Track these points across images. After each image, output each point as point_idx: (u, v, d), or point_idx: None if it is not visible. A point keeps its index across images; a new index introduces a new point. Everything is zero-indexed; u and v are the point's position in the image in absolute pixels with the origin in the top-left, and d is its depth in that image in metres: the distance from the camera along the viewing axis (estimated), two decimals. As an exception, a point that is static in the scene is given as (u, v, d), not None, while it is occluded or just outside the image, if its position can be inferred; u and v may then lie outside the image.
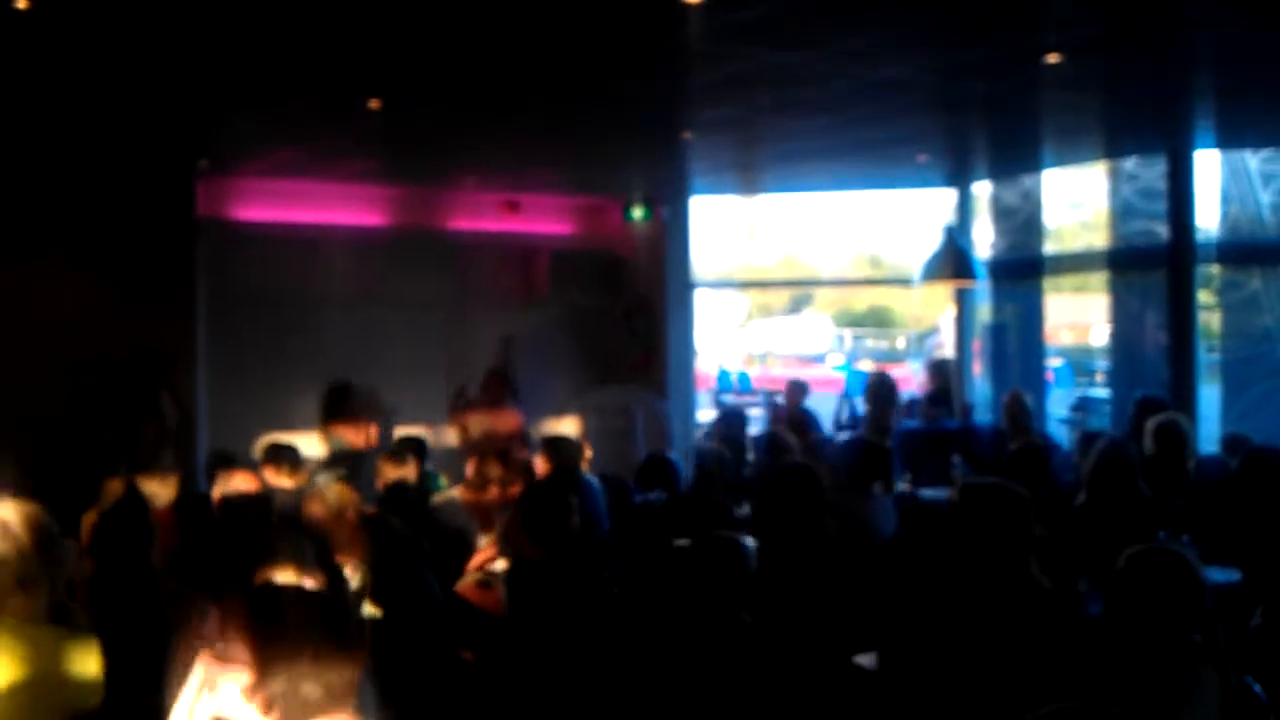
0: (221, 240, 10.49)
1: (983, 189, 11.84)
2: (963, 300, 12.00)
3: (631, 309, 12.57)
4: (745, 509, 7.18)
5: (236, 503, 5.83)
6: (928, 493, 8.08)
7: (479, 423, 9.29)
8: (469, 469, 6.74)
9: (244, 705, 2.51)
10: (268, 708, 2.38)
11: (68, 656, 3.13)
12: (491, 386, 9.74)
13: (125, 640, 4.15)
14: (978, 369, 12.01)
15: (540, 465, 7.16)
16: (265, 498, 6.10)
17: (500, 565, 5.42)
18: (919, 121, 8.63)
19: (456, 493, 6.75)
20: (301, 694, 2.36)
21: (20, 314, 9.51)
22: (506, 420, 9.34)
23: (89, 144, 8.95)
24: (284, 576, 3.63)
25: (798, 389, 11.64)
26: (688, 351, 12.85)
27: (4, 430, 8.55)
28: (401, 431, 8.99)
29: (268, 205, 10.84)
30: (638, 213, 12.32)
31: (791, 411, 10.71)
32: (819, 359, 29.55)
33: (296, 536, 4.20)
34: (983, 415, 11.27)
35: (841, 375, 15.52)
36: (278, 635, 2.42)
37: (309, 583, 3.65)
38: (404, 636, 4.66)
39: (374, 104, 7.39)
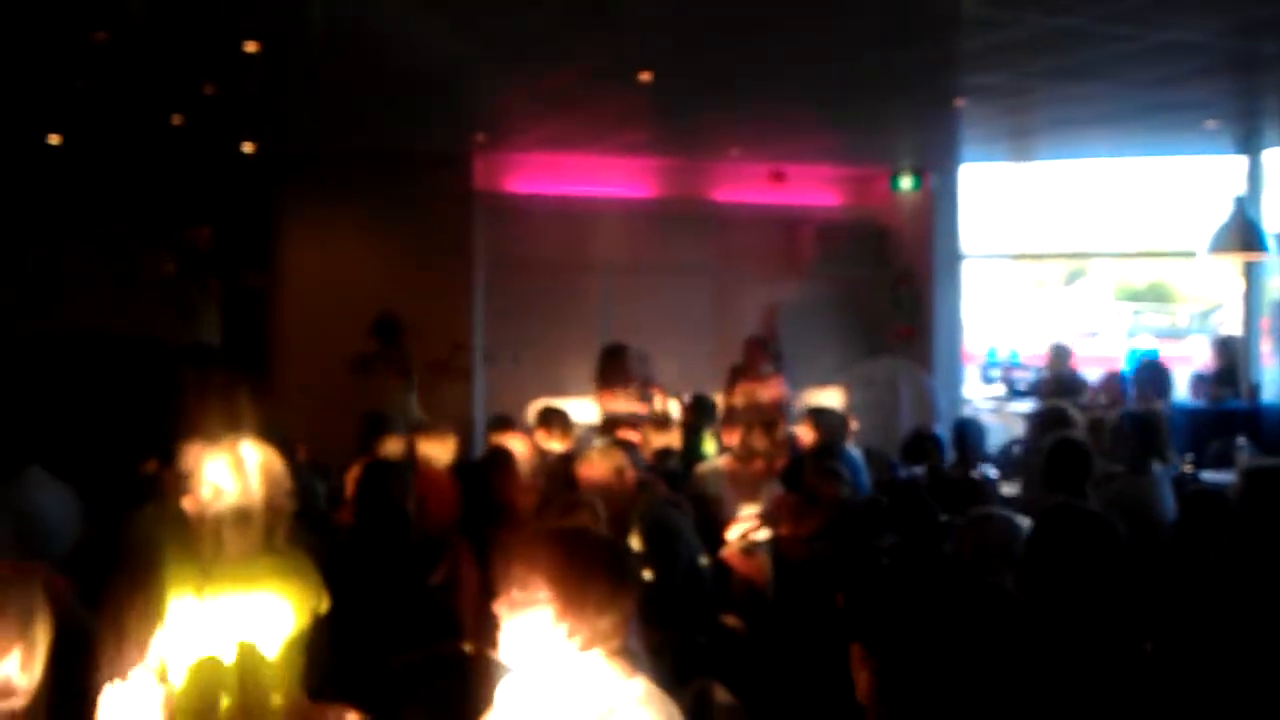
0: (497, 212, 10.92)
1: (1275, 156, 11.11)
2: (1251, 274, 11.31)
3: (898, 281, 12.39)
4: (1011, 485, 7.02)
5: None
6: (1210, 476, 7.69)
7: (745, 393, 9.35)
8: (734, 439, 6.80)
9: (537, 637, 2.68)
10: (568, 638, 2.61)
11: (289, 578, 3.36)
12: (751, 353, 9.81)
13: (379, 583, 4.42)
14: (1266, 347, 11.31)
15: (806, 436, 7.17)
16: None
17: (763, 535, 5.47)
18: (1207, 85, 8.16)
19: (721, 463, 6.83)
20: (599, 627, 2.63)
21: (322, 286, 10.20)
22: (772, 390, 9.37)
23: (381, 126, 9.45)
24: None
25: (1060, 354, 11.19)
26: (955, 325, 12.57)
27: (300, 391, 9.18)
28: (662, 397, 9.17)
29: (541, 178, 11.19)
30: (905, 182, 12.12)
31: (1054, 378, 10.40)
32: (1094, 335, 28.38)
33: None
34: (1271, 395, 10.64)
35: (1119, 353, 14.86)
36: (582, 574, 2.66)
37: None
38: (673, 599, 4.77)
39: (644, 77, 7.52)
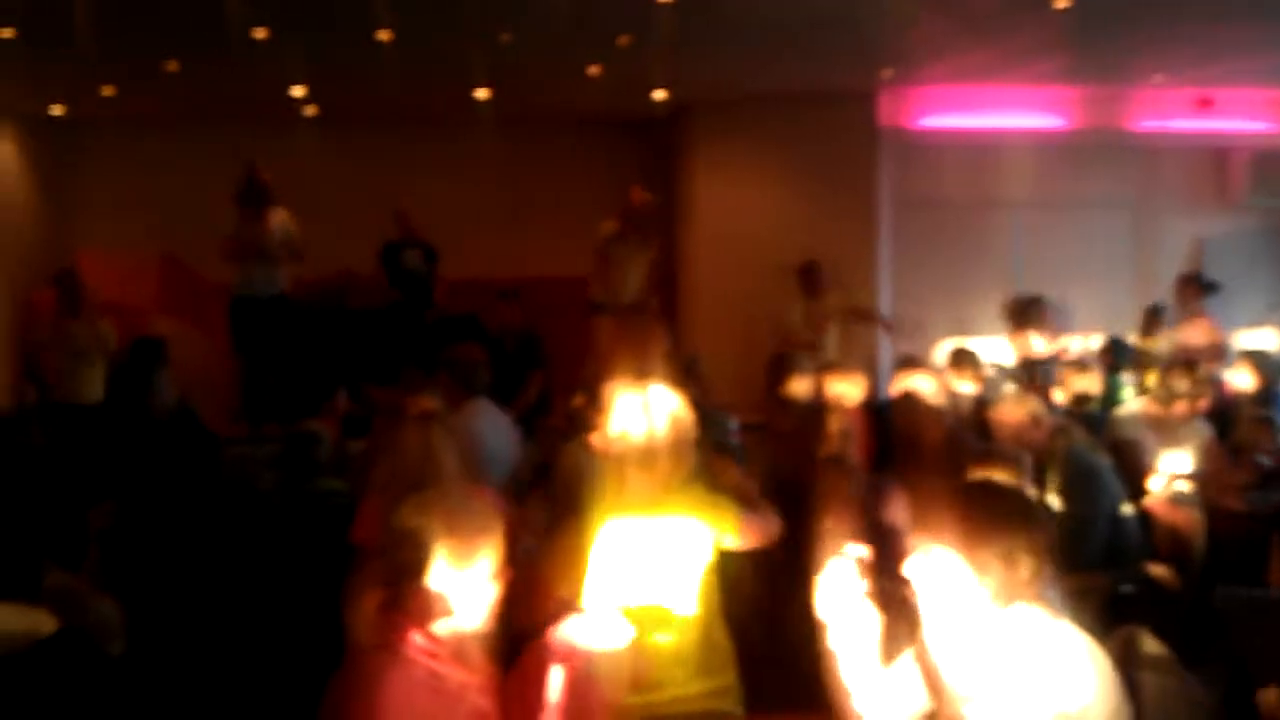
0: (903, 150, 10.76)
1: None
2: None
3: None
4: None
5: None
6: None
7: (1170, 336, 8.84)
8: (1156, 380, 6.47)
9: (953, 584, 2.68)
10: (983, 587, 2.61)
11: (695, 514, 3.45)
12: (1185, 292, 9.23)
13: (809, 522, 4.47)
14: None
15: (1238, 380, 6.71)
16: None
17: (1188, 486, 5.20)
18: None
19: (1140, 406, 6.51)
20: (1015, 577, 2.62)
21: (728, 229, 10.44)
22: (1199, 331, 8.80)
23: (787, 67, 9.49)
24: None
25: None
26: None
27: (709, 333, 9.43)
28: (1079, 338, 8.82)
29: (947, 112, 10.91)
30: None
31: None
32: None
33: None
34: None
35: None
36: (993, 528, 2.65)
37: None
38: (1095, 545, 4.62)
39: (1060, 3, 7.18)
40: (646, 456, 3.42)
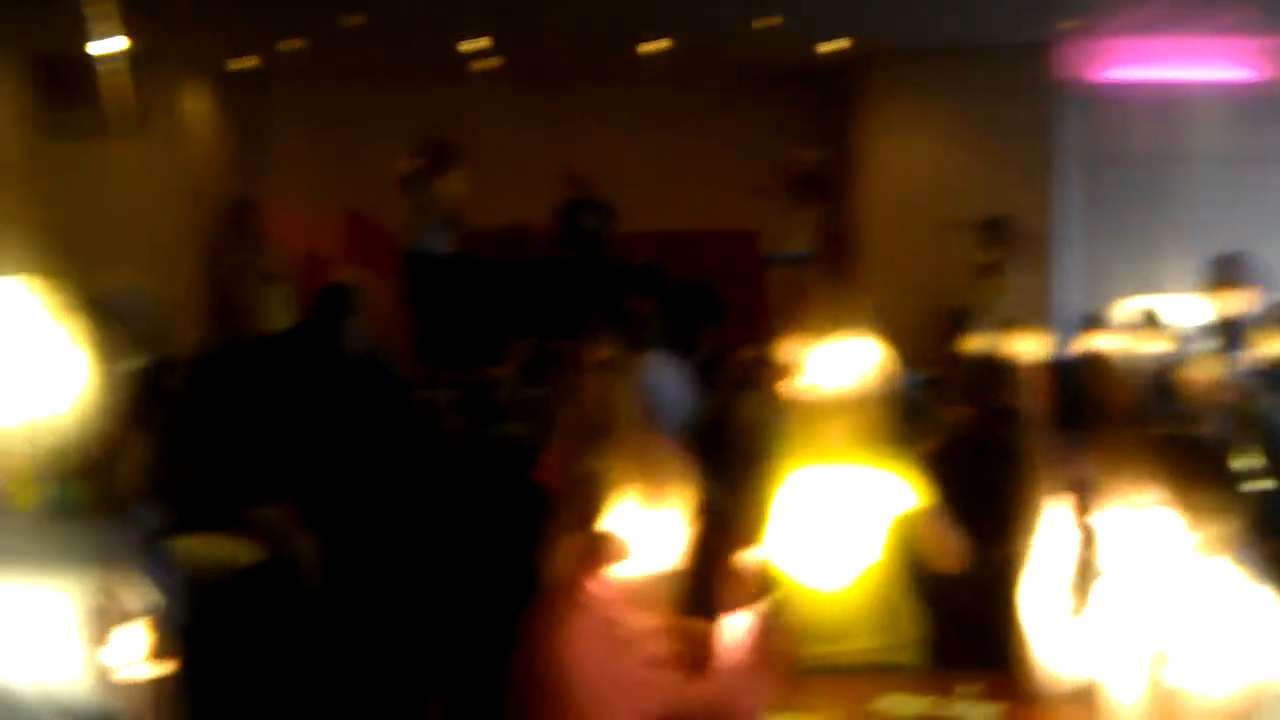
0: (1083, 103, 10.43)
1: None
2: None
3: None
4: None
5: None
6: None
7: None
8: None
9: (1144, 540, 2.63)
10: (1183, 542, 2.56)
11: (884, 469, 3.41)
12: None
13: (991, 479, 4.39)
14: None
15: None
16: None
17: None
18: None
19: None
20: (1210, 534, 2.53)
21: (902, 184, 10.29)
22: None
23: (962, 19, 9.28)
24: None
25: None
26: None
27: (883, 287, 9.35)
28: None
29: (1130, 64, 10.53)
30: None
31: None
32: None
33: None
34: None
35: None
36: (1191, 481, 2.57)
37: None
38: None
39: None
40: (842, 407, 3.40)
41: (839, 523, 3.34)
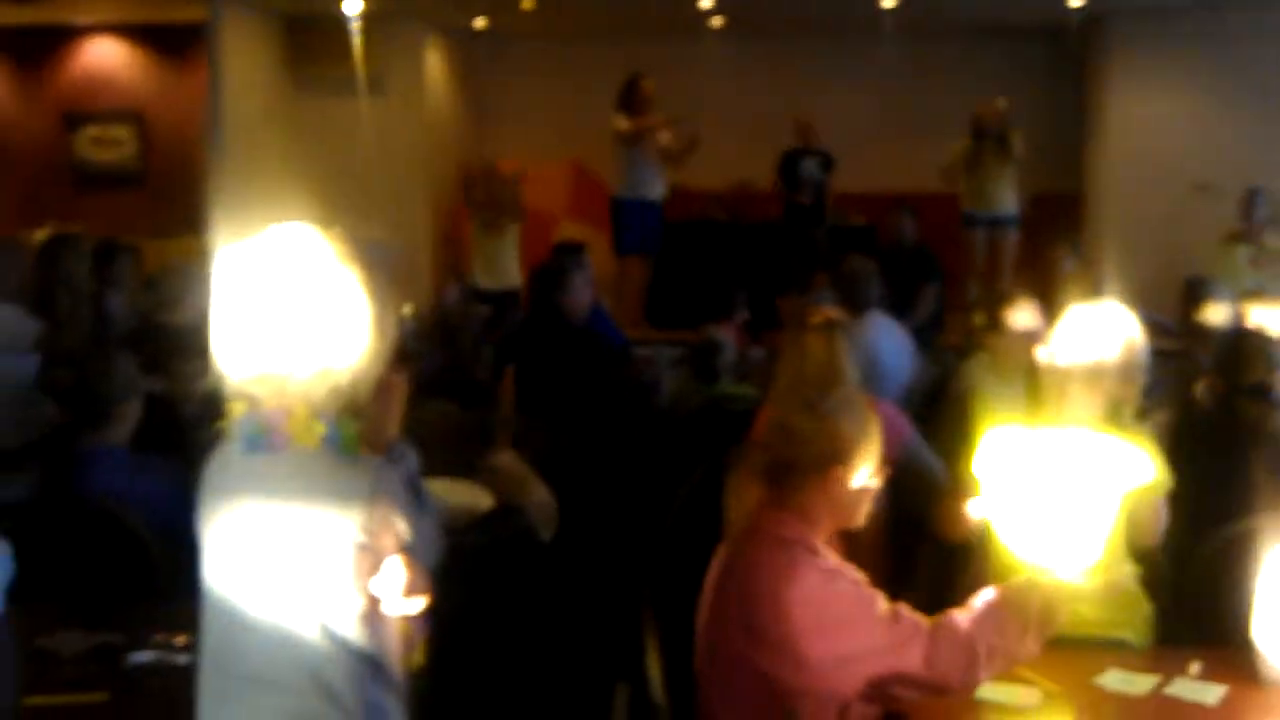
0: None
1: None
2: None
3: None
4: None
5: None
6: None
7: None
8: None
9: None
10: None
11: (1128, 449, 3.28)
12: None
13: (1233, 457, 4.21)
14: None
15: None
16: None
17: None
18: None
19: None
20: None
21: (1140, 143, 9.88)
22: None
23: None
24: None
25: None
26: None
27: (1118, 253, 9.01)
28: None
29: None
30: None
31: None
32: None
33: None
34: None
35: None
36: None
37: None
38: None
39: None
40: (1092, 376, 3.31)
41: (1071, 494, 3.26)
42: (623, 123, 8.87)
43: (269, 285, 2.00)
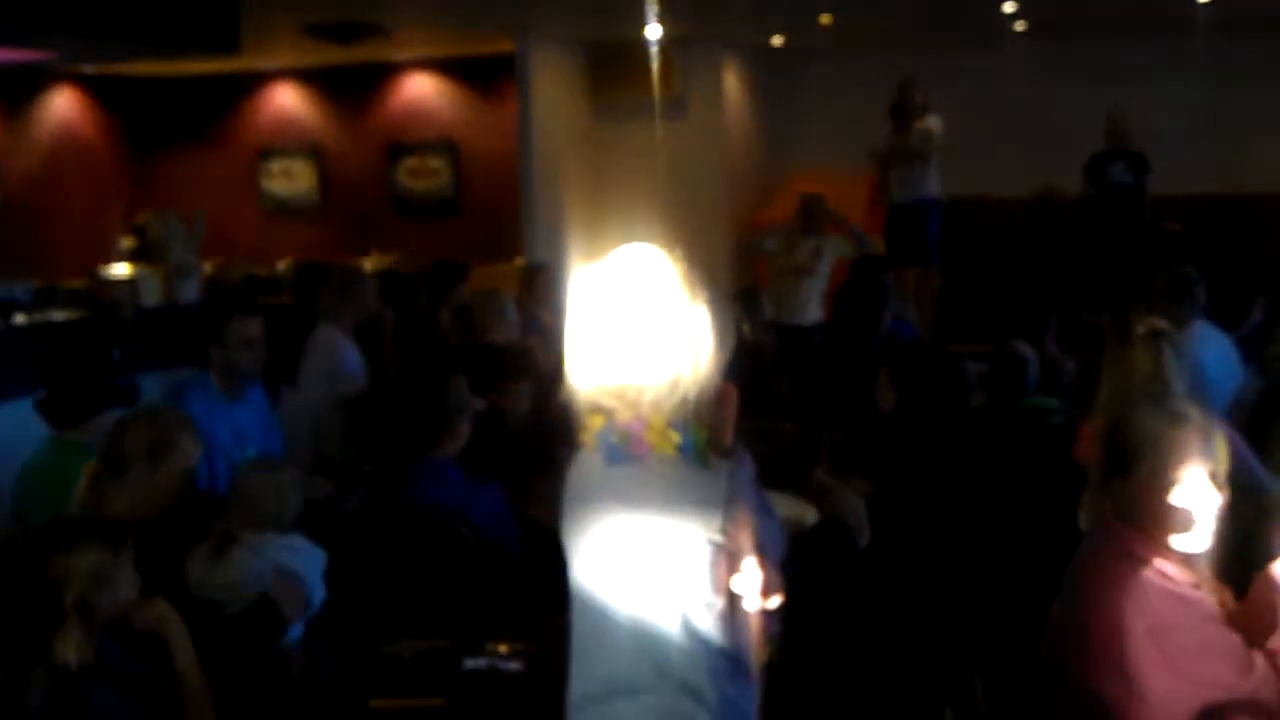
0: None
1: None
2: None
3: None
4: None
5: None
6: None
7: None
8: None
9: None
10: None
11: None
12: None
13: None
14: None
15: None
16: None
17: None
18: None
19: None
20: None
21: None
22: None
23: None
24: None
25: None
26: None
27: None
28: None
29: None
30: None
31: None
32: None
33: None
34: None
35: None
36: None
37: None
38: None
39: None
40: None
41: None
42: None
43: (621, 303, 2.13)
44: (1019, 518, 4.06)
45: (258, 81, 12.48)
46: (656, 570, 2.11)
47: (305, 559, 3.31)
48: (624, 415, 2.13)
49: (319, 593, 3.29)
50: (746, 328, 6.41)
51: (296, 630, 3.21)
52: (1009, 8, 9.32)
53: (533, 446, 4.39)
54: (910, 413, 4.41)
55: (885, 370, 4.57)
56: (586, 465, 2.23)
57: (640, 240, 2.24)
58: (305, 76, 12.35)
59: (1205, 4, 8.91)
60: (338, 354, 5.59)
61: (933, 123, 8.92)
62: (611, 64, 10.97)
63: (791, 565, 2.31)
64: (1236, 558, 3.56)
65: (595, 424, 2.17)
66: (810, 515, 3.11)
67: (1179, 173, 9.58)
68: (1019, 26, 10.05)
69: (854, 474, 3.94)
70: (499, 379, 4.74)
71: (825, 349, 5.91)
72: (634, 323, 2.10)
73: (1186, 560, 2.63)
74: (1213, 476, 2.60)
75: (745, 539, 2.11)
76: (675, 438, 2.11)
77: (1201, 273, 5.74)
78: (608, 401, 2.13)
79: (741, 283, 10.11)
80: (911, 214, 9.04)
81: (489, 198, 11.53)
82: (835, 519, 3.15)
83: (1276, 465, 3.88)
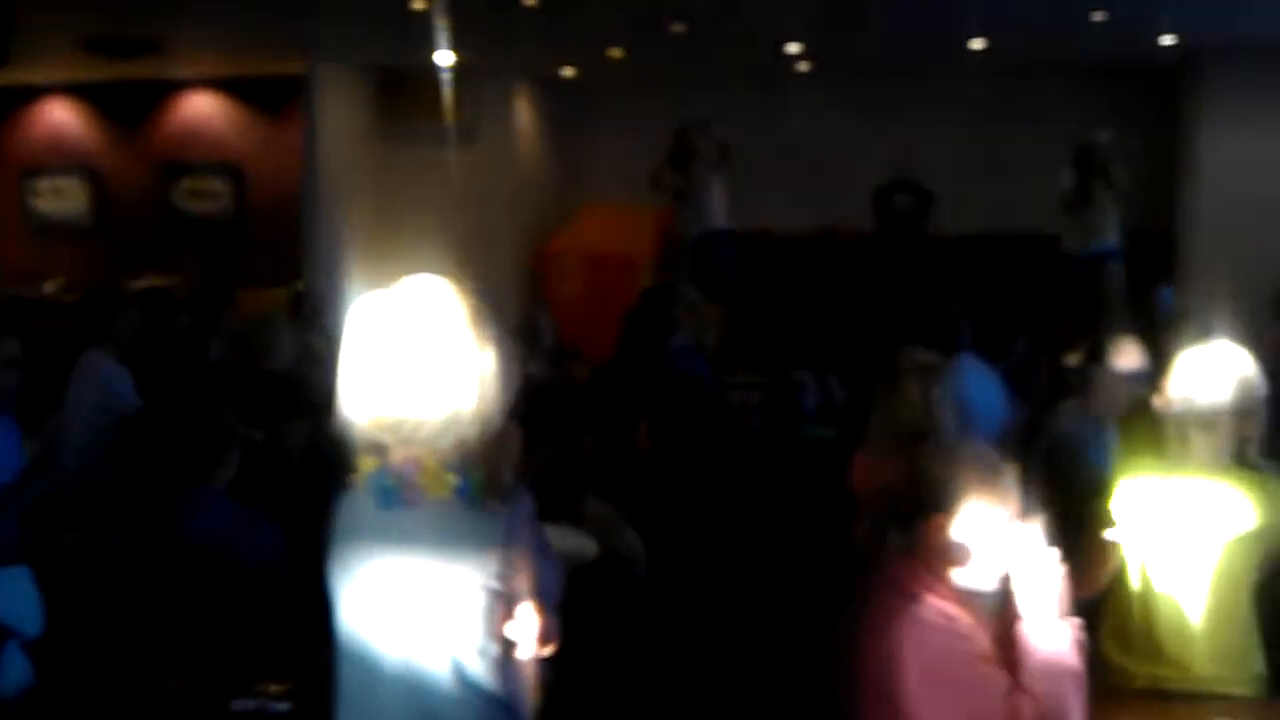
0: None
1: None
2: None
3: None
4: None
5: None
6: None
7: None
8: None
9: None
10: None
11: (1249, 493, 3.19)
12: None
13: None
14: None
15: None
16: None
17: None
18: None
19: None
20: None
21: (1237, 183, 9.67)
22: None
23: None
24: None
25: None
26: None
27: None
28: None
29: None
30: None
31: None
32: None
33: None
34: None
35: None
36: None
37: None
38: None
39: None
40: (1211, 419, 3.22)
41: (1188, 538, 3.20)
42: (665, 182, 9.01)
43: (398, 335, 2.04)
44: (794, 544, 4.15)
45: (28, 97, 11.88)
46: (428, 617, 2.05)
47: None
48: (399, 454, 2.06)
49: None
50: (530, 361, 6.38)
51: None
52: (793, 49, 9.60)
53: (310, 479, 4.26)
54: (677, 447, 4.45)
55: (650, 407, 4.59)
56: (356, 506, 2.15)
57: (427, 269, 2.18)
58: (79, 92, 11.79)
59: (978, 49, 9.36)
60: (104, 379, 5.37)
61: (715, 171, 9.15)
62: (402, 89, 10.86)
63: (571, 603, 2.28)
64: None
65: (368, 465, 2.09)
66: (591, 548, 3.09)
67: (951, 211, 10.03)
68: (803, 67, 10.35)
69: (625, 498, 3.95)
70: (275, 409, 4.60)
71: (608, 373, 5.92)
72: (413, 355, 2.03)
73: (967, 597, 2.66)
74: (998, 513, 2.64)
75: (522, 584, 2.06)
76: (452, 480, 2.04)
77: (969, 308, 6.00)
78: (382, 437, 2.06)
79: (533, 312, 10.11)
80: (704, 248, 9.20)
81: (273, 222, 11.22)
82: (612, 553, 3.15)
83: (1040, 494, 4.06)
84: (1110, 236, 9.18)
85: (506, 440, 2.15)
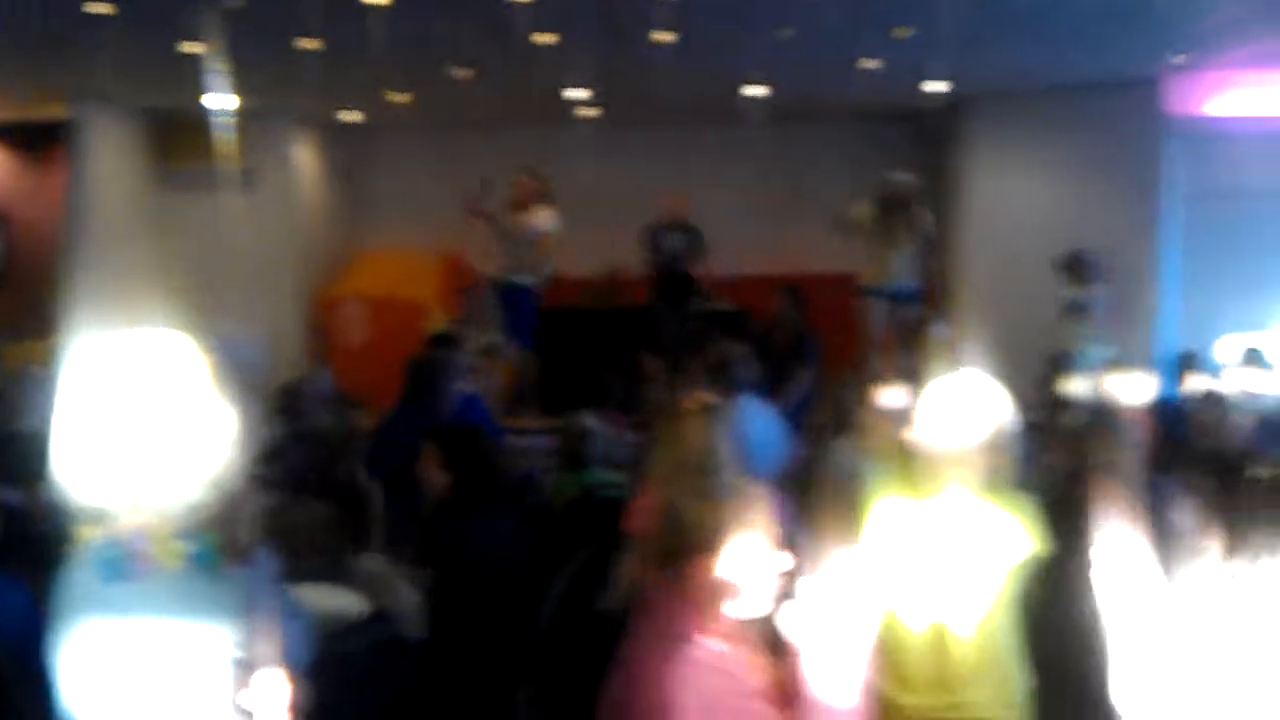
0: (1192, 139, 10.22)
1: None
2: None
3: None
4: None
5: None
6: None
7: None
8: None
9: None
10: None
11: (1005, 520, 3.32)
12: None
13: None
14: None
15: None
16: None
17: None
18: None
19: None
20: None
21: (1001, 223, 10.15)
22: None
23: (1069, 57, 9.15)
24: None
25: None
26: None
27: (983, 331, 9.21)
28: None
29: (1245, 101, 10.31)
30: None
31: None
32: None
33: None
34: None
35: None
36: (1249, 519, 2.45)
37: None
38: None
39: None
40: (961, 452, 3.31)
41: (949, 568, 3.28)
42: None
43: (120, 395, 1.93)
44: (581, 591, 4.11)
45: None
46: (166, 691, 1.94)
47: None
48: (126, 523, 1.94)
49: None
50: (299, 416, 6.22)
51: None
52: (579, 94, 9.66)
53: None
54: (459, 495, 4.38)
55: (435, 452, 4.52)
56: (78, 581, 2.01)
57: (191, 318, 2.07)
58: None
59: (756, 96, 9.58)
60: None
61: (543, 219, 9.11)
62: (176, 133, 10.52)
63: (332, 665, 2.19)
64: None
65: (88, 537, 1.97)
66: (356, 606, 2.98)
67: (733, 252, 10.23)
68: (588, 112, 10.43)
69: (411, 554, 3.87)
70: (28, 470, 4.34)
71: (392, 423, 5.81)
72: (138, 415, 1.92)
73: (738, 630, 2.67)
74: (759, 542, 2.65)
75: (266, 648, 1.97)
76: (183, 548, 1.94)
77: (751, 348, 6.08)
78: (105, 503, 1.94)
79: (314, 360, 9.88)
80: (509, 292, 9.17)
81: (41, 270, 10.69)
82: (380, 611, 3.05)
83: (818, 528, 4.12)
84: (906, 277, 9.39)
85: (245, 501, 2.04)
